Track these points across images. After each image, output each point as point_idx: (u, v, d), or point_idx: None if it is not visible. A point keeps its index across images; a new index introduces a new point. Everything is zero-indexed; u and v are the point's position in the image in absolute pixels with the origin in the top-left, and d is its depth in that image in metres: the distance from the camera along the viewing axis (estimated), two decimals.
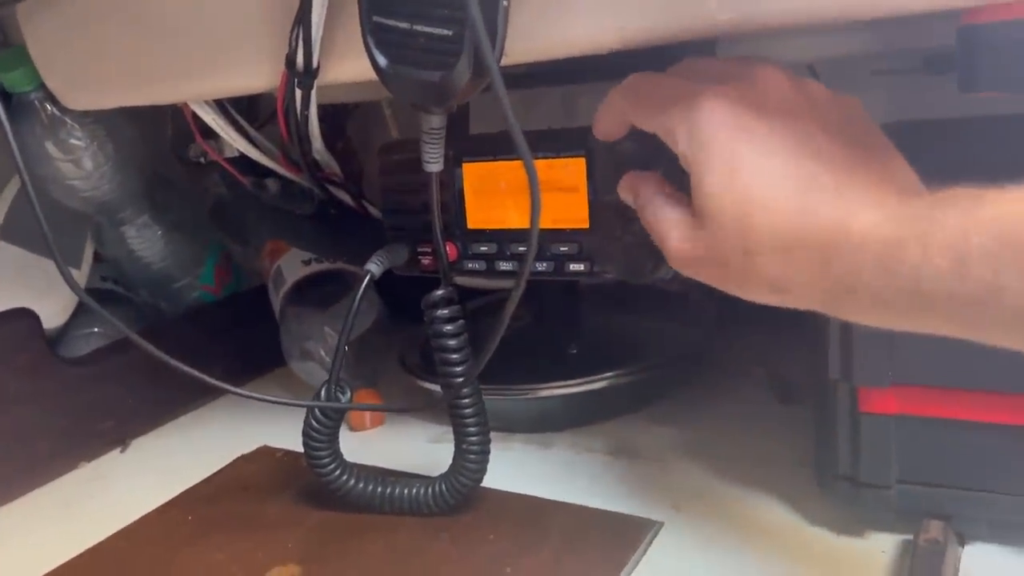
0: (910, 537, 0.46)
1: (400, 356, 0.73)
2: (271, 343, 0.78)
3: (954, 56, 0.41)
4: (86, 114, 0.67)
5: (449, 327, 0.50)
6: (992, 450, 0.44)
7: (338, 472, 0.54)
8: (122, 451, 0.73)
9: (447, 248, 0.52)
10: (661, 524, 0.51)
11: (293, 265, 0.79)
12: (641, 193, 0.42)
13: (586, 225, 0.49)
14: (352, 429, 0.70)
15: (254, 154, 0.63)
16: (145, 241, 0.78)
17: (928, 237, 0.30)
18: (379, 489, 0.55)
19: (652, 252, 0.42)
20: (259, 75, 0.51)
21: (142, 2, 0.53)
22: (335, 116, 0.83)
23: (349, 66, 0.48)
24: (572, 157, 0.49)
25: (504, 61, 0.42)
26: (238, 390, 0.54)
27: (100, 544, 0.56)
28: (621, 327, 0.76)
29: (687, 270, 0.40)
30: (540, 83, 0.61)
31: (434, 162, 0.46)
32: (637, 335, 0.74)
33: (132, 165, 0.72)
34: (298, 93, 0.51)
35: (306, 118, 0.54)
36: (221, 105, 0.61)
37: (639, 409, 0.67)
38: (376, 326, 0.77)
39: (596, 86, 0.75)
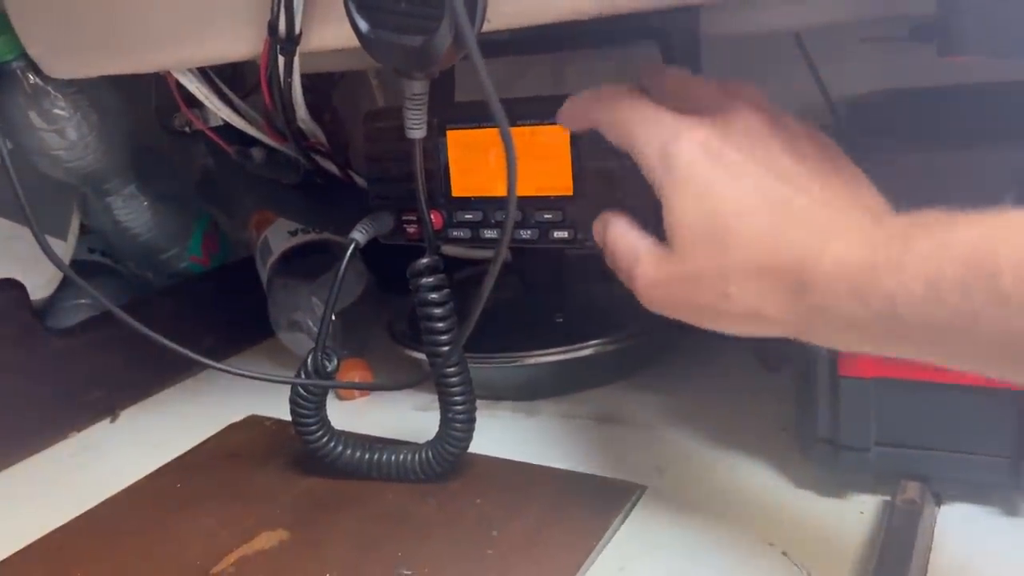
0: (888, 498, 0.47)
1: (388, 325, 0.73)
2: (259, 314, 0.78)
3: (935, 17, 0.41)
4: (69, 83, 0.67)
5: (434, 295, 0.50)
6: (968, 412, 0.45)
7: (326, 439, 0.55)
8: (112, 421, 0.73)
9: (432, 216, 0.52)
10: (644, 488, 0.52)
11: (280, 236, 0.79)
12: (609, 228, 0.43)
13: (570, 192, 0.49)
14: (340, 399, 0.70)
15: (238, 123, 0.63)
16: (131, 212, 0.78)
17: (902, 263, 0.30)
18: (367, 456, 0.55)
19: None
20: (241, 42, 0.51)
21: None
22: (321, 86, 0.82)
23: (331, 32, 0.48)
24: (556, 124, 0.49)
25: (486, 27, 0.42)
26: (220, 366, 0.54)
27: (91, 510, 0.56)
28: (607, 295, 0.76)
29: (657, 302, 0.40)
30: (528, 51, 0.61)
31: (417, 128, 0.46)
32: (622, 303, 0.74)
33: (117, 135, 0.72)
34: (281, 60, 0.51)
35: (289, 85, 0.53)
36: (205, 74, 0.61)
37: (625, 377, 0.68)
38: (365, 297, 0.77)
39: (584, 54, 0.76)
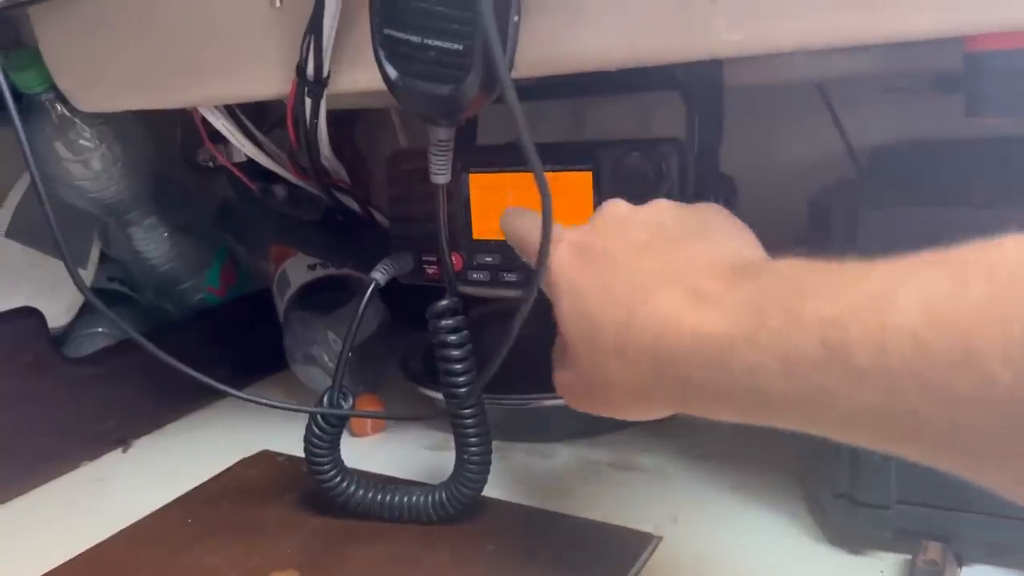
0: (909, 557, 0.46)
1: (402, 363, 0.73)
2: (274, 346, 0.78)
3: (961, 78, 0.42)
4: (96, 115, 0.67)
5: (453, 337, 0.50)
6: None
7: (339, 479, 0.54)
8: (124, 451, 0.73)
9: (452, 258, 0.52)
10: (660, 539, 0.51)
11: (298, 269, 0.79)
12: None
13: None
14: (353, 435, 0.70)
15: (262, 159, 0.63)
16: (151, 243, 0.78)
17: (756, 337, 0.30)
18: (379, 496, 0.55)
19: None
20: (270, 82, 0.52)
21: (155, 6, 0.53)
22: (343, 122, 0.83)
23: (359, 76, 0.48)
24: (579, 171, 0.49)
25: (513, 75, 0.43)
26: (240, 393, 0.54)
27: (98, 545, 0.56)
28: None
29: (573, 402, 0.41)
30: (547, 96, 0.61)
31: (441, 174, 0.46)
32: None
33: (140, 167, 0.72)
34: (308, 101, 0.52)
35: (315, 126, 0.54)
36: (230, 110, 0.62)
37: (642, 422, 0.67)
38: (379, 331, 0.77)
39: (603, 100, 0.76)
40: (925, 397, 0.24)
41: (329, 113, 0.56)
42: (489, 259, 0.52)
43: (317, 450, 0.53)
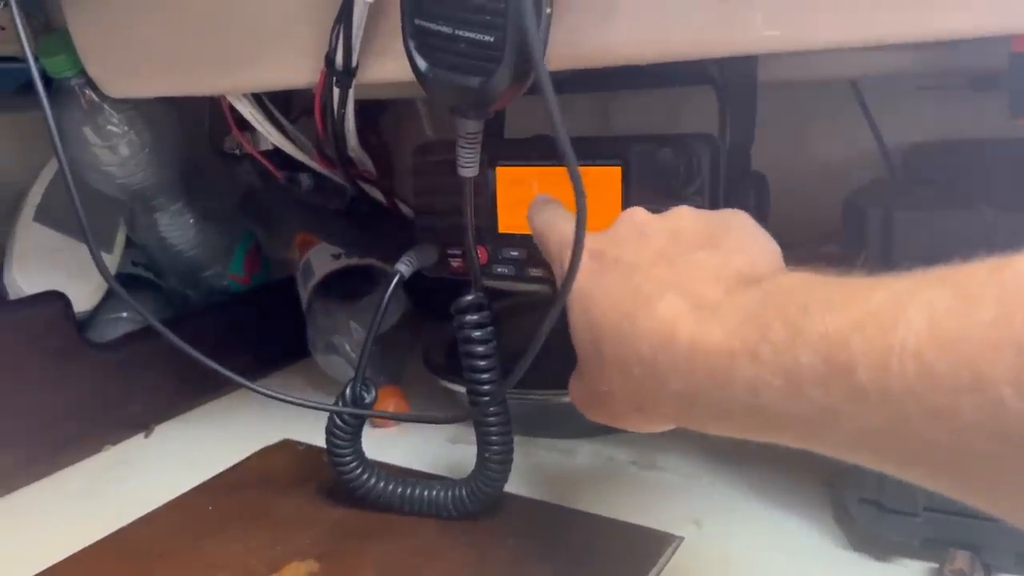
0: (936, 566, 0.45)
1: (424, 355, 0.73)
2: (297, 335, 0.78)
3: (1001, 76, 0.41)
4: (124, 101, 0.67)
5: (478, 333, 0.50)
6: None
7: (359, 471, 0.54)
8: (146, 436, 0.73)
9: (477, 252, 0.52)
10: (681, 539, 0.51)
11: (323, 259, 0.79)
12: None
13: None
14: (374, 426, 0.70)
15: (289, 148, 0.63)
16: (177, 229, 0.78)
17: (757, 350, 0.28)
18: (399, 489, 0.55)
19: None
20: (298, 72, 0.51)
21: None
22: (369, 111, 0.83)
23: (388, 67, 0.48)
24: (607, 166, 0.48)
25: None
26: (258, 388, 0.54)
27: (121, 530, 0.56)
28: None
29: (581, 408, 0.41)
30: (574, 90, 0.60)
31: (469, 167, 0.46)
32: None
33: (168, 153, 0.72)
34: (336, 91, 0.51)
35: (343, 116, 0.54)
36: (258, 99, 0.61)
37: None
38: (402, 322, 0.77)
39: (631, 94, 0.75)
40: (929, 421, 0.23)
41: (356, 103, 0.56)
42: (515, 253, 0.52)
43: (339, 442, 0.53)
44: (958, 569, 0.44)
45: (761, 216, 0.51)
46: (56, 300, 0.69)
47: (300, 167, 0.65)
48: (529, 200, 0.51)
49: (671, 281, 0.34)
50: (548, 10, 0.39)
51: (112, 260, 0.77)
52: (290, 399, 0.53)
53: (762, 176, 0.52)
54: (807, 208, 0.56)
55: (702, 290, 0.33)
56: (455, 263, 0.55)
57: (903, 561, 0.47)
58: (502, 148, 0.53)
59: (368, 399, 0.53)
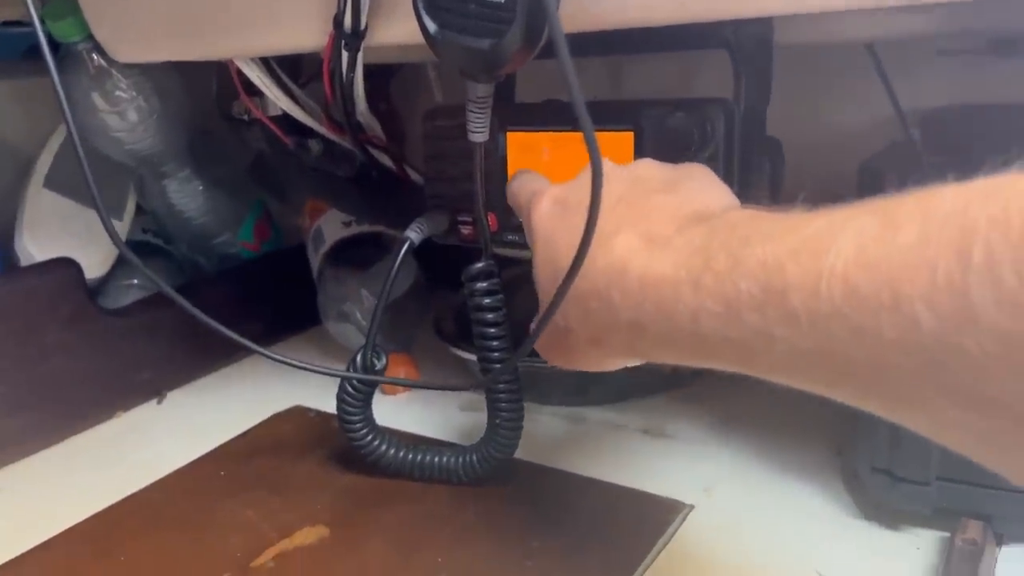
0: (947, 535, 0.45)
1: (435, 323, 0.72)
2: (308, 302, 0.78)
3: (1021, 39, 0.40)
4: (132, 66, 0.67)
5: (488, 300, 0.49)
6: None
7: (370, 437, 0.54)
8: (159, 403, 0.74)
9: (488, 219, 0.51)
10: (691, 507, 0.51)
11: (333, 226, 0.79)
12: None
13: None
14: (384, 393, 0.70)
15: (297, 113, 0.62)
16: (186, 195, 0.78)
17: (700, 279, 0.30)
18: (410, 456, 0.55)
19: None
20: (307, 34, 0.50)
21: None
22: (379, 77, 0.82)
23: (397, 29, 0.47)
24: (620, 131, 0.48)
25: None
26: (270, 353, 0.54)
27: (134, 495, 0.57)
28: None
29: (541, 351, 0.42)
30: (585, 53, 0.59)
31: (479, 132, 0.45)
32: None
33: (176, 119, 0.72)
34: (344, 54, 0.51)
35: (351, 80, 0.53)
36: (266, 63, 0.61)
37: (676, 388, 0.66)
38: (412, 290, 0.77)
39: (644, 58, 0.74)
40: (854, 341, 0.24)
41: (365, 67, 0.55)
42: None
43: (349, 408, 0.53)
44: (970, 539, 0.44)
45: (776, 181, 0.50)
46: (68, 266, 0.69)
47: (309, 133, 0.65)
48: (541, 165, 0.51)
49: (628, 220, 0.35)
50: None
51: (123, 227, 0.77)
52: (301, 364, 0.53)
53: (777, 141, 0.51)
54: (823, 173, 0.55)
55: (656, 228, 0.34)
56: (465, 230, 0.54)
57: (914, 530, 0.47)
58: (513, 112, 0.52)
59: (379, 366, 0.53)
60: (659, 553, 0.47)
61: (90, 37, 0.62)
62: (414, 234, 0.52)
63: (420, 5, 0.40)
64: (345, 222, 0.78)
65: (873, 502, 0.49)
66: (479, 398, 0.53)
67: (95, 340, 0.70)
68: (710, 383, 0.66)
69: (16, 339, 0.65)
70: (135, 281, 0.79)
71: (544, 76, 0.50)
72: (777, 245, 0.27)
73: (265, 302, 0.82)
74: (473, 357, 0.53)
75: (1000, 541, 0.45)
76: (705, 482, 0.54)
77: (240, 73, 0.61)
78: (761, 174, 0.48)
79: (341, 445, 0.57)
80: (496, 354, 0.50)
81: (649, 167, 0.40)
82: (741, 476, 0.54)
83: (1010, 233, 0.21)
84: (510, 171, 0.51)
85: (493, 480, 0.54)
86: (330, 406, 0.55)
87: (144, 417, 0.72)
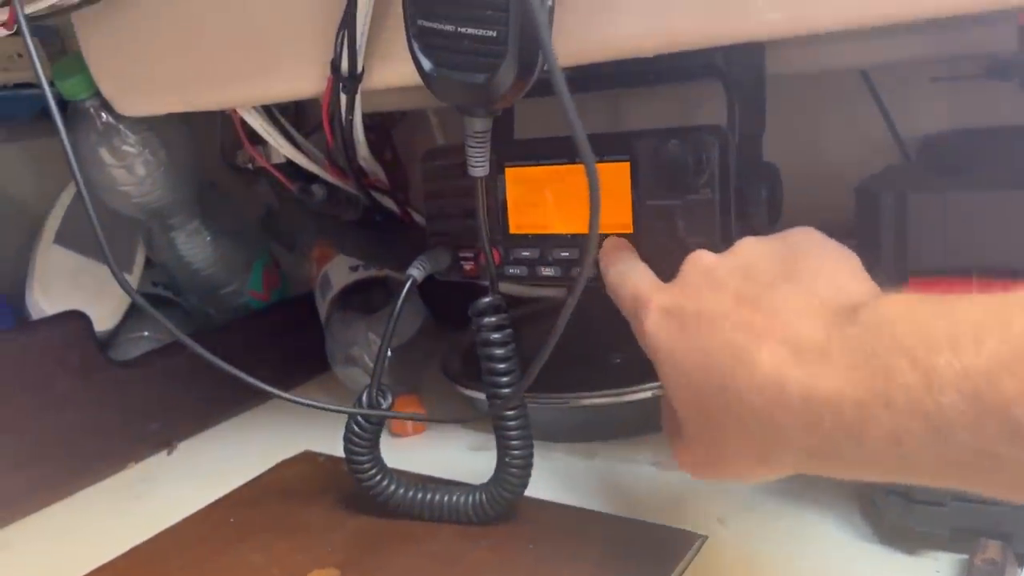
0: (966, 557, 0.44)
1: (442, 363, 0.72)
2: (316, 349, 0.78)
3: (1013, 61, 0.40)
4: (139, 121, 0.68)
5: (496, 335, 0.50)
6: None
7: (378, 477, 0.54)
8: (169, 453, 0.74)
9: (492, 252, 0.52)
10: (705, 538, 0.50)
11: (340, 271, 0.79)
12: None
13: (630, 230, 0.48)
14: (393, 435, 0.70)
15: (301, 160, 0.64)
16: (195, 247, 0.79)
17: (890, 397, 0.27)
18: (419, 496, 0.54)
19: None
20: (305, 80, 0.52)
21: (191, 8, 0.54)
22: (382, 125, 0.84)
23: (394, 70, 0.48)
24: (616, 162, 0.48)
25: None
26: (282, 393, 0.54)
27: (143, 544, 0.56)
28: None
29: (697, 476, 0.40)
30: (588, 88, 0.60)
31: (479, 167, 0.46)
32: None
33: (183, 171, 0.73)
34: (343, 98, 0.52)
35: (351, 123, 0.54)
36: (269, 111, 0.62)
37: None
38: (421, 334, 0.77)
39: (642, 94, 0.75)
40: None
41: (367, 117, 0.56)
42: (526, 253, 0.52)
43: (357, 448, 0.53)
44: (989, 559, 0.43)
45: (774, 206, 0.50)
46: (77, 319, 0.69)
47: (313, 178, 0.66)
48: (539, 200, 0.51)
49: (762, 328, 0.33)
50: (550, 2, 0.39)
51: (132, 280, 0.78)
52: (309, 403, 0.53)
53: (774, 167, 0.52)
54: (821, 199, 0.56)
55: (798, 331, 0.31)
56: (467, 266, 0.55)
57: (932, 553, 0.46)
58: (510, 149, 0.53)
59: (385, 404, 0.53)
60: None
61: (97, 94, 0.64)
62: (416, 271, 0.53)
63: (415, 44, 0.41)
64: (352, 267, 0.79)
65: (889, 526, 0.48)
66: (489, 438, 0.53)
67: (105, 392, 0.70)
68: None
69: (27, 392, 0.65)
70: (145, 333, 0.79)
71: (542, 115, 0.51)
72: (974, 351, 0.25)
73: (274, 350, 0.82)
74: (481, 395, 0.53)
75: (1021, 562, 0.44)
76: (719, 512, 0.53)
77: (243, 123, 0.62)
78: (758, 200, 0.48)
79: (350, 488, 0.57)
80: (505, 389, 0.50)
81: (755, 250, 0.37)
82: (755, 505, 0.54)
83: None
84: (510, 206, 0.52)
85: (503, 519, 0.53)
86: (339, 450, 0.54)
87: (155, 468, 0.71)
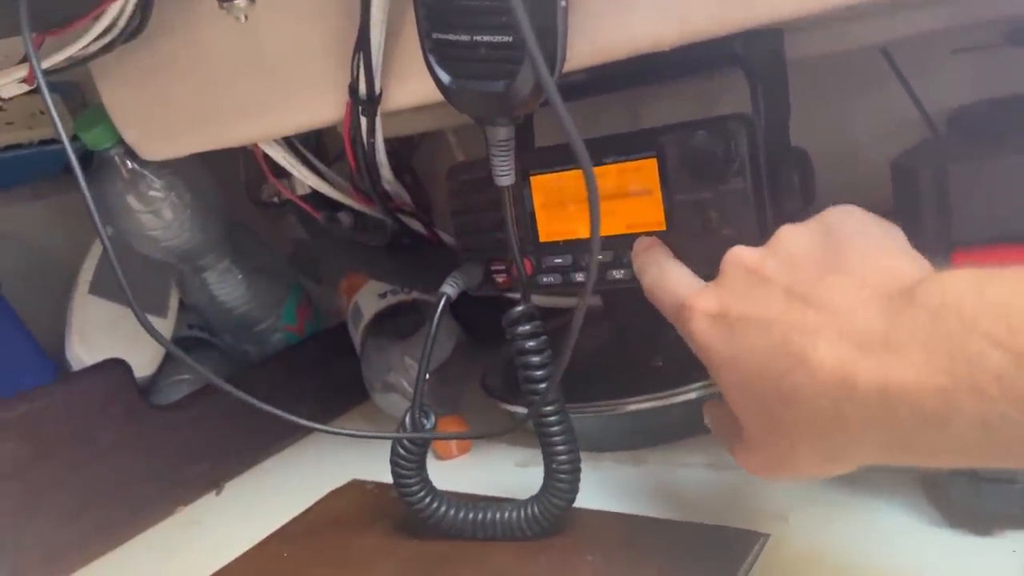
0: None
1: (482, 380, 0.72)
2: (355, 377, 0.78)
3: None
4: (164, 165, 0.69)
5: (531, 343, 0.49)
6: None
7: (428, 499, 0.53)
8: (217, 494, 0.73)
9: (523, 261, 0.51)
10: (767, 536, 0.49)
11: (370, 299, 0.79)
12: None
13: (663, 227, 0.47)
14: (439, 458, 0.69)
15: (325, 189, 0.64)
16: (227, 285, 0.80)
17: (977, 383, 0.26)
18: (470, 515, 0.53)
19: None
20: (324, 107, 0.52)
21: (205, 48, 0.54)
22: (401, 150, 0.84)
23: (412, 88, 0.48)
24: (643, 159, 0.48)
25: (566, 66, 0.42)
26: (323, 427, 0.54)
27: None
28: None
29: (762, 476, 0.39)
30: (608, 89, 0.60)
31: (505, 175, 0.45)
32: None
33: (210, 211, 0.74)
34: (363, 122, 0.52)
35: (372, 147, 0.54)
36: (290, 143, 0.62)
37: None
38: (457, 353, 0.77)
39: (660, 94, 0.75)
40: None
41: (387, 142, 0.56)
42: (559, 261, 0.51)
43: (404, 472, 0.53)
44: None
45: (807, 190, 0.49)
46: (117, 367, 0.70)
47: (339, 207, 0.66)
48: (567, 205, 0.51)
49: (817, 325, 0.32)
50: (563, 3, 0.38)
51: (167, 325, 0.79)
52: (352, 432, 0.53)
53: (804, 152, 0.51)
54: (853, 180, 0.55)
55: (854, 324, 0.30)
56: (500, 278, 0.54)
57: (1007, 533, 0.45)
58: (533, 157, 0.52)
59: (428, 425, 0.53)
60: None
61: (121, 142, 0.65)
62: (450, 288, 0.52)
63: (431, 58, 0.41)
64: (381, 294, 0.79)
65: (958, 508, 0.46)
66: (535, 452, 0.52)
67: (149, 437, 0.70)
68: None
69: (73, 444, 0.65)
70: (185, 376, 0.79)
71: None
72: None
73: (313, 383, 0.82)
74: (523, 409, 0.52)
75: None
76: (780, 510, 0.51)
77: (266, 157, 0.63)
78: (791, 185, 0.47)
79: (400, 514, 0.56)
80: (543, 389, 0.49)
81: (796, 240, 0.36)
82: (816, 498, 0.52)
83: None
84: (538, 214, 0.52)
85: (559, 531, 0.52)
86: (386, 477, 0.54)
87: (205, 509, 0.71)
